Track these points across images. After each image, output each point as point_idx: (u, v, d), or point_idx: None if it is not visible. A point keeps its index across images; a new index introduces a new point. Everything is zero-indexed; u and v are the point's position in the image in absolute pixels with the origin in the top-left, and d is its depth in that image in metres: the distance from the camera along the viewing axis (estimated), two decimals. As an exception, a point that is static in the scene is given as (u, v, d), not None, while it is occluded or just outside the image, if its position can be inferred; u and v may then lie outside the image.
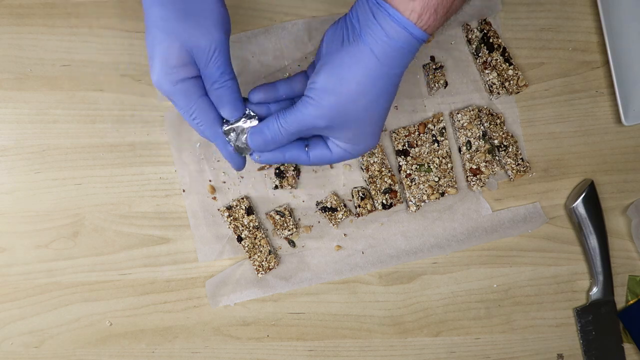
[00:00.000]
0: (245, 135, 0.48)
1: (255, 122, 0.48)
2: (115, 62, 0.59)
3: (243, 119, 0.48)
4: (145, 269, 0.60)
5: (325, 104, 0.43)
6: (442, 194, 0.60)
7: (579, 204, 0.60)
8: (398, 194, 0.59)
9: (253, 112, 0.49)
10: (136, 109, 0.60)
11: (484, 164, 0.60)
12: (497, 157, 0.61)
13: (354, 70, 0.42)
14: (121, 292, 0.60)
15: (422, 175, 0.59)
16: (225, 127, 0.48)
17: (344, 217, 0.59)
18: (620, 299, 0.62)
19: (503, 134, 0.60)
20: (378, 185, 0.59)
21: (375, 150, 0.59)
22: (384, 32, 0.40)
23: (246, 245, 0.59)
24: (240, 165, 0.51)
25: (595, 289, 0.61)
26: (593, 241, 0.60)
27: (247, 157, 0.51)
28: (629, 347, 0.62)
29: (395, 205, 0.60)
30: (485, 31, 0.60)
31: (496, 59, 0.59)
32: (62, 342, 0.60)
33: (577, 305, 0.62)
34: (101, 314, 0.60)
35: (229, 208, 0.59)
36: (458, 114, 0.60)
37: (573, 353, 0.62)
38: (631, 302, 0.62)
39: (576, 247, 0.62)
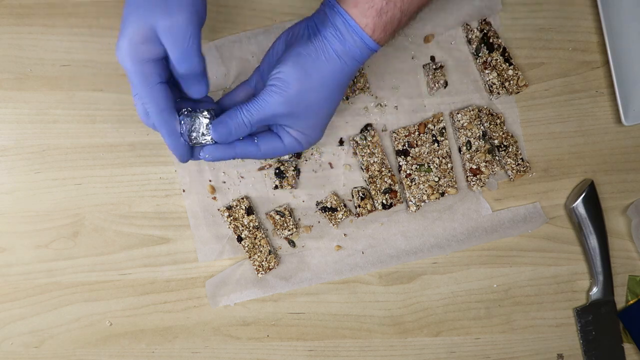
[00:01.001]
0: (203, 126, 0.49)
1: (207, 115, 0.49)
2: (115, 62, 0.59)
3: (199, 110, 0.49)
4: (145, 269, 0.60)
5: (290, 91, 0.47)
6: (442, 194, 0.60)
7: (579, 204, 0.60)
8: (398, 194, 0.59)
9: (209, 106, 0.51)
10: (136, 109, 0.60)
11: (484, 164, 0.60)
12: (497, 157, 0.60)
13: (317, 63, 0.47)
14: (121, 292, 0.60)
15: (422, 175, 0.59)
16: (183, 115, 0.48)
17: (344, 217, 0.59)
18: (620, 299, 0.63)
19: (503, 134, 0.60)
20: (378, 185, 0.59)
21: (376, 150, 0.59)
22: (343, 37, 0.47)
23: (246, 245, 0.59)
24: (185, 157, 0.50)
25: (595, 289, 0.61)
26: (593, 241, 0.60)
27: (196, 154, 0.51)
28: (629, 347, 0.62)
29: (395, 205, 0.60)
30: (485, 31, 0.60)
31: (496, 59, 0.59)
32: (62, 342, 0.60)
33: (577, 305, 0.62)
34: (101, 314, 0.60)
35: (229, 208, 0.59)
36: (458, 114, 0.60)
37: (573, 353, 0.62)
38: (631, 302, 0.62)
39: (576, 247, 0.62)
